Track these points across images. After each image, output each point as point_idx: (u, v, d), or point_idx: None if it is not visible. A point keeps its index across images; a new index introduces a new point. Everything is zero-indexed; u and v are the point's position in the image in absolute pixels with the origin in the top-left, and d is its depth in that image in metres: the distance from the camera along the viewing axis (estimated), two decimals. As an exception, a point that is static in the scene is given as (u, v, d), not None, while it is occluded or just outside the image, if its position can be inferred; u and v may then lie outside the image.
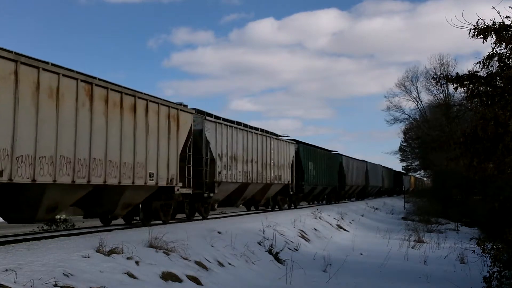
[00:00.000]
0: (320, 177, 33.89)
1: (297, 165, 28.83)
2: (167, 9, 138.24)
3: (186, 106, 16.91)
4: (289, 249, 14.81)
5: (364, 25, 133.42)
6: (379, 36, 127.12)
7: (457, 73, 10.77)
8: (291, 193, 27.88)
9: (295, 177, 28.19)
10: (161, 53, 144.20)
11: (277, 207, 27.47)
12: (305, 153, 31.68)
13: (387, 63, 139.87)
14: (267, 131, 24.57)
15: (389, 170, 71.40)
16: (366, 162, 51.85)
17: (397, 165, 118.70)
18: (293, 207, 29.35)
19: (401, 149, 70.97)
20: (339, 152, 43.60)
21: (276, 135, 26.02)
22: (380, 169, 61.21)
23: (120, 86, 13.06)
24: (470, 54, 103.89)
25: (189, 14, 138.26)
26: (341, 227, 24.68)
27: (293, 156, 28.36)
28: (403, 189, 72.52)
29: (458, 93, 36.20)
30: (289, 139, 28.45)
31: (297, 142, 29.27)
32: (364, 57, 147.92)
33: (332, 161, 38.68)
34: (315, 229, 20.69)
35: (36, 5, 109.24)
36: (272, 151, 25.09)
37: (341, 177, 40.94)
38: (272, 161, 25.39)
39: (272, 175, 25.19)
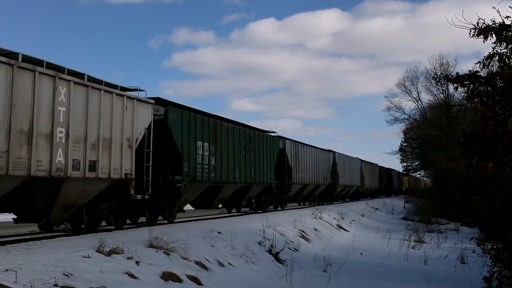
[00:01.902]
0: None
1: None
2: (167, 9, 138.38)
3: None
4: (289, 249, 14.81)
5: (364, 25, 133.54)
6: (380, 36, 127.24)
7: (457, 73, 10.78)
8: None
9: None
10: (161, 53, 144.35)
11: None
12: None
13: (388, 63, 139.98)
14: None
15: (373, 166, 58.11)
16: (335, 152, 38.83)
17: (396, 165, 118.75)
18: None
19: (401, 149, 71.04)
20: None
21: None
22: (358, 163, 48.65)
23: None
24: (471, 54, 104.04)
25: (189, 14, 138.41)
26: (341, 227, 24.67)
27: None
28: (403, 188, 71.30)
29: (458, 93, 36.29)
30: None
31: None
32: (365, 57, 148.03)
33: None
34: (315, 229, 20.68)
35: (36, 5, 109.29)
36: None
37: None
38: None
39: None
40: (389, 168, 72.53)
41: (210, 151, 18.17)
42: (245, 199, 23.19)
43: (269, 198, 25.88)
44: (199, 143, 17.40)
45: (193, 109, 18.00)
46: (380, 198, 59.16)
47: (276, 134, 26.32)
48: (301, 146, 30.07)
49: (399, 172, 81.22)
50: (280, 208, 27.38)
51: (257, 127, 24.19)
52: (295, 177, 28.19)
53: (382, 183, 62.96)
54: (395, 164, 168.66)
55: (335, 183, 38.00)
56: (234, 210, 24.47)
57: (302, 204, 36.58)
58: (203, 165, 17.59)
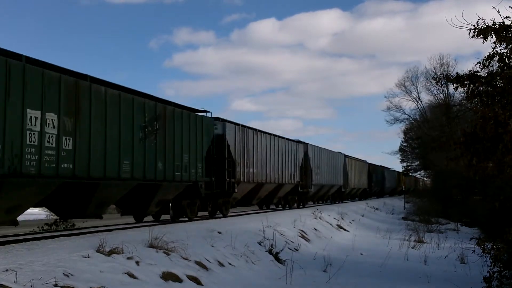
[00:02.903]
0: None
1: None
2: (168, 10, 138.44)
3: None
4: (289, 249, 14.81)
5: (365, 25, 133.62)
6: (380, 36, 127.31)
7: (457, 73, 10.79)
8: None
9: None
10: (162, 54, 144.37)
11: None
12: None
13: (388, 63, 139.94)
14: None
15: (360, 162, 50.65)
16: (307, 144, 32.15)
17: (397, 165, 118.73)
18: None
19: (401, 149, 71.04)
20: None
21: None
22: (340, 159, 40.88)
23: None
24: (471, 54, 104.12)
25: (190, 14, 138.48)
26: (341, 227, 24.67)
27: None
28: (403, 188, 70.97)
29: (458, 93, 36.33)
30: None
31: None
32: (365, 57, 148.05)
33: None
34: (315, 229, 20.68)
35: (37, 5, 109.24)
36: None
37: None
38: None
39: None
40: (381, 166, 65.78)
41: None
42: (153, 204, 15.86)
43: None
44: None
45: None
46: (371, 200, 51.71)
47: (212, 115, 19.64)
48: (252, 133, 23.03)
49: (393, 170, 75.03)
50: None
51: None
52: (241, 174, 21.29)
53: (372, 182, 55.67)
54: (395, 164, 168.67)
55: (307, 182, 30.92)
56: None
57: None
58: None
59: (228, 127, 20.36)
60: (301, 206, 31.19)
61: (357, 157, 49.97)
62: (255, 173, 22.85)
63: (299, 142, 30.33)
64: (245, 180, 21.73)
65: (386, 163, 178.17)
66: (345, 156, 42.58)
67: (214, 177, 18.72)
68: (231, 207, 21.76)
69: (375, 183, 58.07)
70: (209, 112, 18.64)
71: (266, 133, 25.08)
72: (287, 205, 29.45)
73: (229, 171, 20.01)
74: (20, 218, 12.42)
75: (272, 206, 29.29)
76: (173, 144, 15.55)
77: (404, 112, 58.63)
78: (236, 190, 20.65)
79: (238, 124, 21.50)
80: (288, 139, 28.18)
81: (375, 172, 58.50)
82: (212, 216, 20.13)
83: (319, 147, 34.83)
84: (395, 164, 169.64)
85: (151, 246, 10.30)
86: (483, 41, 9.52)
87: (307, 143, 31.82)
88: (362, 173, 50.19)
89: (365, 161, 53.23)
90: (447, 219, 32.87)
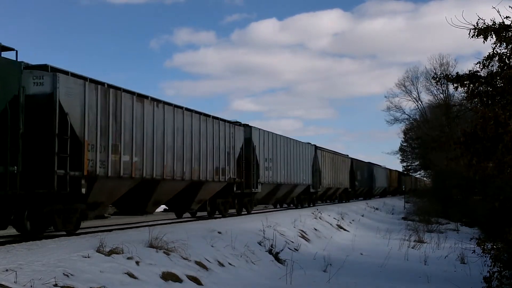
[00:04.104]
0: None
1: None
2: (169, 10, 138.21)
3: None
4: (289, 249, 14.81)
5: (366, 25, 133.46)
6: (381, 36, 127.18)
7: (457, 73, 10.80)
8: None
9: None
10: (163, 54, 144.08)
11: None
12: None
13: (389, 63, 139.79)
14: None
15: (340, 157, 41.45)
16: (251, 128, 23.32)
17: (397, 165, 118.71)
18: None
19: (401, 149, 71.09)
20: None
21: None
22: (309, 151, 32.44)
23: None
24: (472, 55, 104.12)
25: (191, 14, 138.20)
26: (341, 227, 24.68)
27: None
28: (403, 188, 70.44)
29: (458, 93, 36.25)
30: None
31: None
32: (366, 57, 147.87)
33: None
34: (315, 229, 20.69)
35: (37, 5, 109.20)
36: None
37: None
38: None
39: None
40: (369, 163, 57.28)
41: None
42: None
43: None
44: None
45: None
46: (352, 202, 43.65)
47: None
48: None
49: (385, 168, 67.26)
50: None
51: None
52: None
53: (356, 181, 46.91)
54: (395, 164, 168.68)
55: (251, 180, 22.57)
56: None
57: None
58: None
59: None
60: (244, 212, 22.76)
61: (336, 150, 41.26)
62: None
63: (239, 124, 22.15)
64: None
65: (386, 163, 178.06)
66: (317, 147, 34.14)
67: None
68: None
69: (360, 182, 49.66)
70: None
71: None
72: (217, 212, 20.96)
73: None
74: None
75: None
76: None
77: (404, 112, 58.72)
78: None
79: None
80: (222, 120, 20.99)
81: (360, 169, 49.96)
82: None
83: (271, 132, 25.68)
84: (395, 164, 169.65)
85: (151, 246, 10.30)
86: (483, 41, 9.52)
87: (251, 127, 23.02)
88: (342, 170, 41.28)
89: (347, 155, 44.60)
90: (447, 219, 32.88)
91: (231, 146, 20.43)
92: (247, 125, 22.83)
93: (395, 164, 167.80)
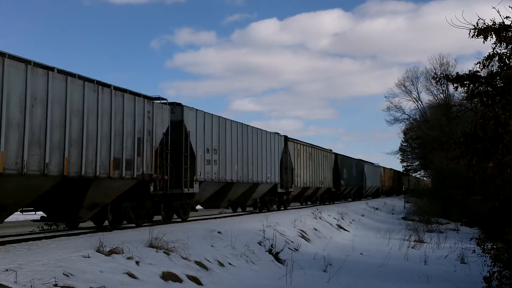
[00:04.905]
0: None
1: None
2: (169, 10, 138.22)
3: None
4: (289, 249, 14.81)
5: (366, 25, 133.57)
6: (382, 36, 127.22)
7: (457, 73, 10.78)
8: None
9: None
10: (163, 54, 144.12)
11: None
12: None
13: (390, 63, 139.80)
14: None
15: (318, 151, 34.62)
16: (183, 107, 17.24)
17: (397, 165, 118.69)
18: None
19: (401, 149, 71.15)
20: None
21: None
22: (277, 141, 26.16)
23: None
24: (474, 55, 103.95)
25: (191, 14, 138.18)
26: (341, 227, 24.68)
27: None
28: (403, 188, 70.18)
29: (458, 93, 36.37)
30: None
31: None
32: (367, 57, 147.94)
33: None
34: (315, 229, 20.69)
35: (39, 6, 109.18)
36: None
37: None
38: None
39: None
40: (359, 160, 51.35)
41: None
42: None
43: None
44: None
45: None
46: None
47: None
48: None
49: (378, 166, 61.47)
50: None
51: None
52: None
53: (342, 180, 41.19)
54: (396, 164, 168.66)
55: (182, 177, 16.77)
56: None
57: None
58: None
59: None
60: (177, 219, 17.93)
61: (314, 144, 34.17)
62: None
63: (168, 103, 16.35)
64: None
65: (386, 163, 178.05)
66: (288, 139, 27.83)
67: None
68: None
69: (347, 181, 43.66)
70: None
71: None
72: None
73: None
74: (20, 218, 12.46)
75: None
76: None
77: (404, 112, 58.77)
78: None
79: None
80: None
81: (347, 167, 43.62)
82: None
83: (217, 116, 19.47)
84: (396, 164, 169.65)
85: (151, 246, 10.31)
86: (483, 41, 9.51)
87: (184, 105, 17.10)
88: (323, 166, 35.34)
89: (330, 150, 38.34)
90: (447, 219, 32.87)
91: (145, 130, 14.64)
92: (177, 103, 16.97)
93: (395, 164, 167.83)
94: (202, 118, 18.15)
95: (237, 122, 21.32)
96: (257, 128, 23.56)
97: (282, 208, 27.74)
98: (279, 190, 25.94)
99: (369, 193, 55.50)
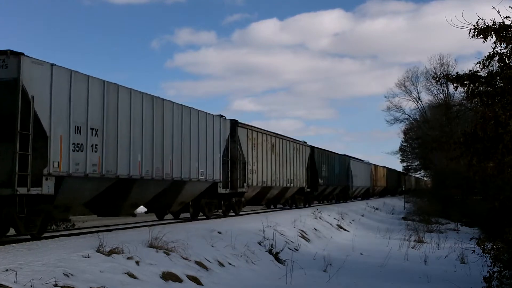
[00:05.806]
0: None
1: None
2: (170, 10, 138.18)
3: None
4: (289, 249, 14.81)
5: (367, 25, 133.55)
6: (382, 36, 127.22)
7: (457, 72, 10.78)
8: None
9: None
10: (164, 54, 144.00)
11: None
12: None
13: (390, 63, 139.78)
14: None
15: (289, 142, 28.55)
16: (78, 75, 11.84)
17: (397, 165, 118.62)
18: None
19: (401, 149, 71.20)
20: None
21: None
22: (221, 129, 19.89)
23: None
24: (474, 55, 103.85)
25: (192, 15, 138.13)
26: (341, 227, 24.68)
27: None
28: (403, 188, 70.05)
29: (458, 93, 36.32)
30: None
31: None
32: (367, 57, 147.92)
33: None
34: (315, 229, 20.69)
35: (39, 6, 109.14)
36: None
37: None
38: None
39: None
40: (343, 155, 43.55)
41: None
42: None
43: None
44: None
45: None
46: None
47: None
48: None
49: (368, 163, 55.20)
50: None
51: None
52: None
53: (320, 178, 34.70)
54: (396, 164, 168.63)
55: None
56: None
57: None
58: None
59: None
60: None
61: (278, 132, 27.37)
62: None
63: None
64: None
65: (386, 163, 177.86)
66: (237, 123, 21.51)
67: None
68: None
69: (328, 180, 36.96)
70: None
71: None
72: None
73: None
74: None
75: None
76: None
77: (404, 112, 58.83)
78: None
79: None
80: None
81: (328, 163, 37.07)
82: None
83: (98, 78, 12.74)
84: (396, 164, 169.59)
85: (151, 246, 10.30)
86: (483, 41, 9.51)
87: (23, 56, 10.66)
88: (294, 161, 29.00)
89: (304, 142, 32.14)
90: (447, 219, 32.89)
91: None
92: (12, 52, 10.63)
93: (396, 164, 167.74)
94: (67, 79, 11.64)
95: (144, 92, 14.64)
96: (180, 104, 16.80)
97: (232, 214, 21.70)
98: (221, 190, 19.62)
99: (357, 194, 49.44)
